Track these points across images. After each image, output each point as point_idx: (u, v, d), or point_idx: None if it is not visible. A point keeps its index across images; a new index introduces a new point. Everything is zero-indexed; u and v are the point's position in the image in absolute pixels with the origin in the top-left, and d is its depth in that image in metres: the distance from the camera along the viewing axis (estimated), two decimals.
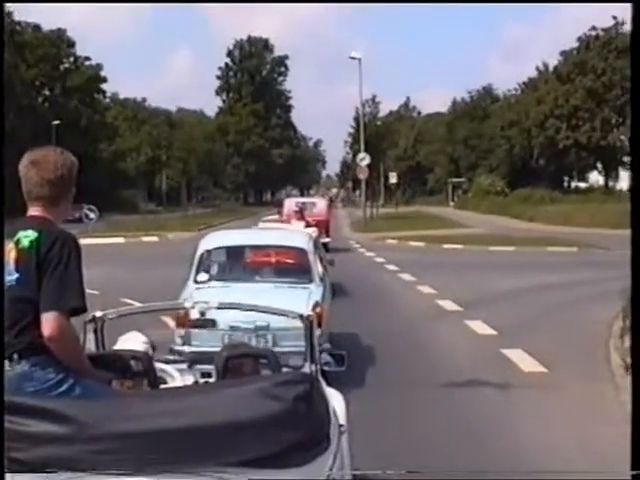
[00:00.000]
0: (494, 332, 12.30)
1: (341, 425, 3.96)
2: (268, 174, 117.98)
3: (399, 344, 11.63)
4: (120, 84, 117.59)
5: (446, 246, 31.64)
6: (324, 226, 25.52)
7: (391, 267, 23.10)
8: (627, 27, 72.11)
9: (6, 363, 3.42)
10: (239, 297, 6.79)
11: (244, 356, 4.31)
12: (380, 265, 24.22)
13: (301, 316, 4.48)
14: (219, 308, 4.62)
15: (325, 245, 18.99)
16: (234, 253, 10.76)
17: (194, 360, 4.60)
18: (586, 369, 9.62)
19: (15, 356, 3.43)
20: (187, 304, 4.30)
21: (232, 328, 8.25)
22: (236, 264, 10.67)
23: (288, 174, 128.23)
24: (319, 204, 32.19)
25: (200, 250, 10.09)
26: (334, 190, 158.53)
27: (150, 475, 2.85)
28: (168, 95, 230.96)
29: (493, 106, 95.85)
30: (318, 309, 8.54)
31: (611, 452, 6.34)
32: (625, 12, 70.70)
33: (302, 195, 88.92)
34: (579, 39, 73.16)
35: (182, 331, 8.28)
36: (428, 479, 4.55)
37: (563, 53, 74.53)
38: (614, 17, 71.10)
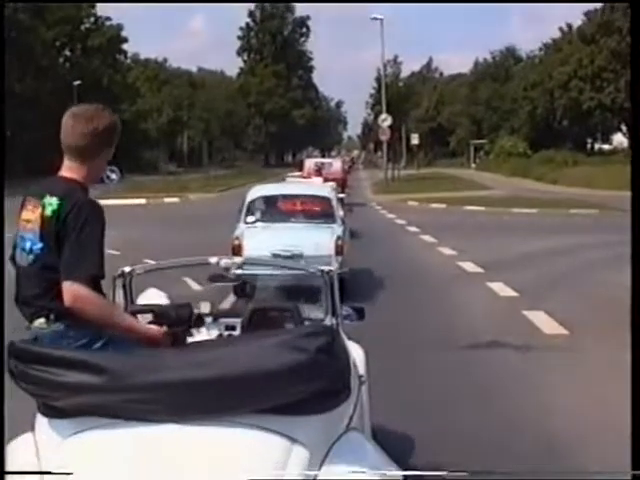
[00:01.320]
0: (516, 294, 12.23)
1: (361, 376, 4.18)
2: (289, 135, 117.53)
3: (422, 304, 11.66)
4: (141, 45, 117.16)
5: (468, 208, 31.52)
6: (339, 183, 27.25)
7: (412, 229, 23.09)
8: None
9: (41, 320, 3.56)
10: (278, 234, 10.72)
11: (269, 310, 4.40)
12: (401, 227, 24.24)
13: (322, 271, 4.54)
14: (241, 265, 4.70)
15: (341, 200, 19.22)
16: (272, 201, 13.22)
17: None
18: (606, 332, 9.57)
19: (52, 316, 3.55)
20: (212, 260, 4.36)
21: (274, 255, 10.46)
22: (274, 209, 12.94)
23: (309, 135, 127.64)
24: (335, 164, 36.74)
25: (247, 199, 12.61)
26: (355, 152, 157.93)
27: (180, 422, 3.01)
28: (189, 55, 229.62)
29: (516, 67, 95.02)
30: (340, 242, 11.44)
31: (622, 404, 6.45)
32: None
33: (323, 156, 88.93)
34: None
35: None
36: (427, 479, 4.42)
37: (587, 13, 73.67)
38: None
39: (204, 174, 72.50)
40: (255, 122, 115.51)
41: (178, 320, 3.83)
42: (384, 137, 49.07)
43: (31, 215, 3.62)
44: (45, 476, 3.06)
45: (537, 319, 10.33)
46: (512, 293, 12.34)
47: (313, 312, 4.47)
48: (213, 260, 4.47)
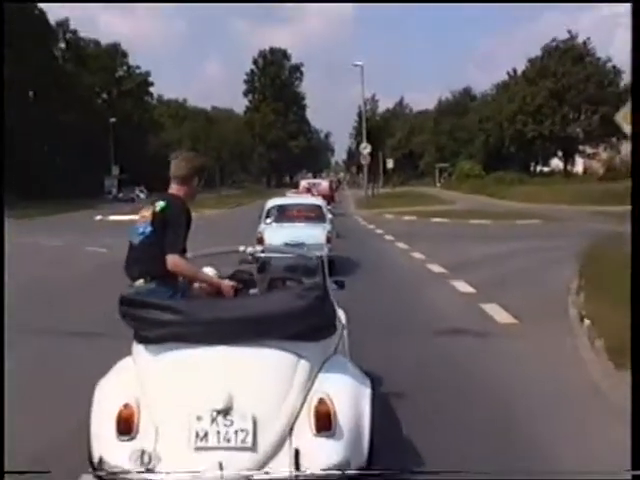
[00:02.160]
0: (473, 290, 12.18)
1: (343, 325, 5.17)
2: (287, 161, 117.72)
3: (394, 298, 11.63)
4: (164, 88, 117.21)
5: (434, 220, 31.45)
6: (327, 198, 30.61)
7: (388, 237, 23.00)
8: (580, 39, 71.75)
9: (141, 281, 4.69)
10: (287, 230, 12.94)
11: (281, 279, 5.34)
12: (379, 236, 24.17)
13: (317, 256, 5.55)
14: (261, 251, 5.50)
15: (329, 210, 24.59)
16: (283, 208, 15.69)
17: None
18: (549, 320, 9.59)
19: (148, 278, 4.69)
20: (241, 248, 5.26)
21: (285, 244, 11.67)
22: (284, 213, 15.37)
23: (303, 160, 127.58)
24: (323, 183, 42.14)
25: (266, 208, 15.20)
26: (341, 174, 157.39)
27: (229, 345, 3.92)
28: (204, 96, 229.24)
29: (472, 104, 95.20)
30: (329, 235, 14.02)
31: (564, 379, 6.67)
32: (577, 26, 71.63)
33: (314, 177, 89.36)
34: (543, 48, 72.50)
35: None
36: (423, 479, 4.37)
37: (530, 60, 73.72)
38: (569, 31, 70.73)
39: (217, 194, 72.47)
40: (259, 150, 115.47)
41: (238, 280, 5.02)
42: (365, 162, 49.02)
43: (146, 212, 4.79)
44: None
45: (491, 310, 10.30)
46: (471, 289, 12.27)
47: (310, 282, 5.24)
48: (241, 248, 5.32)
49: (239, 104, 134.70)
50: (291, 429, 3.82)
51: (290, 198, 20.59)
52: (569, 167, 74.99)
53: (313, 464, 3.72)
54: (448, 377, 6.90)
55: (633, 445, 3.86)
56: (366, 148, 48.00)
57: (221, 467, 3.67)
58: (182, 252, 4.67)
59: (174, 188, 4.91)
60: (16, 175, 48.92)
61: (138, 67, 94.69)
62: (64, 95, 75.48)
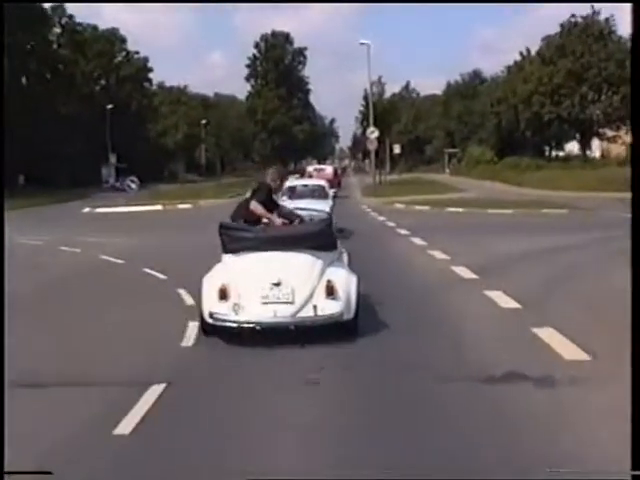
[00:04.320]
0: (518, 305, 9.59)
1: (342, 251, 8.97)
2: (291, 147, 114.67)
3: (421, 305, 9.15)
4: (167, 75, 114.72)
5: (449, 209, 28.93)
6: (331, 182, 34.89)
7: (402, 231, 20.48)
8: (602, 15, 68.51)
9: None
10: (299, 204, 13.05)
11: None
12: (392, 230, 21.56)
13: (329, 213, 9.97)
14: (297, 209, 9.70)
15: (335, 193, 28.73)
16: (293, 188, 19.64)
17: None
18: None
19: (240, 220, 8.50)
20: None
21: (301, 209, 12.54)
22: (295, 192, 19.30)
23: (308, 147, 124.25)
24: (328, 169, 47.67)
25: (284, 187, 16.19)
26: (346, 160, 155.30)
27: (280, 251, 7.88)
28: (208, 84, 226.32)
29: (481, 87, 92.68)
30: (332, 207, 16.83)
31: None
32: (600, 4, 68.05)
33: (319, 164, 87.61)
34: (561, 25, 69.35)
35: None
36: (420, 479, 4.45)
37: (546, 38, 70.66)
38: (592, 6, 67.38)
39: (217, 182, 70.16)
40: (261, 137, 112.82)
41: (284, 218, 8.70)
42: (372, 147, 46.56)
43: (249, 191, 8.80)
44: None
45: (549, 338, 7.79)
46: (514, 304, 9.65)
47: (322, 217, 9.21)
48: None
49: (242, 90, 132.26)
50: (312, 294, 7.64)
51: (302, 180, 26.45)
52: (587, 151, 72.00)
53: (324, 312, 7.57)
54: None
55: (633, 445, 3.89)
56: (373, 132, 45.50)
57: (275, 314, 7.51)
58: (261, 202, 8.45)
59: (267, 180, 8.82)
60: (11, 164, 46.96)
61: (137, 52, 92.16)
62: (59, 81, 73.30)
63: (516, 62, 75.59)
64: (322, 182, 22.45)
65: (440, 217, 26.53)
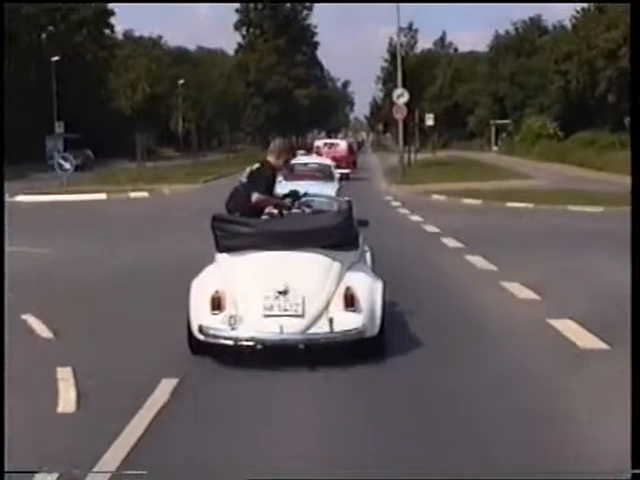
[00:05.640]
0: None
1: (365, 250, 9.07)
2: (292, 116, 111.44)
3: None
4: (143, 24, 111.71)
5: (511, 205, 25.29)
6: (345, 161, 40.26)
7: (451, 243, 16.70)
8: None
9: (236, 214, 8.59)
10: (301, 188, 11.85)
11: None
12: (434, 239, 17.70)
13: (348, 202, 9.14)
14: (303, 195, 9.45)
15: (347, 175, 37.48)
16: (293, 167, 18.60)
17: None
18: None
19: (237, 213, 8.46)
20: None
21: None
22: (300, 172, 20.28)
23: (314, 116, 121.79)
24: (341, 144, 47.88)
25: None
26: (363, 134, 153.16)
27: (285, 250, 7.81)
28: (190, 35, 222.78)
29: (540, 40, 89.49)
30: (338, 190, 19.10)
31: None
32: None
33: (329, 138, 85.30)
34: None
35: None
36: (420, 478, 5.13)
37: None
38: None
39: (194, 160, 66.99)
40: (254, 102, 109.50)
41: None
42: (399, 115, 43.61)
43: (243, 173, 8.75)
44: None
45: None
46: None
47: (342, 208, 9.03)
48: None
49: (232, 44, 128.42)
50: (327, 305, 7.56)
51: (307, 157, 27.38)
52: None
53: (341, 328, 7.48)
54: None
55: (633, 445, 4.58)
56: (402, 96, 42.45)
57: (281, 329, 7.41)
58: (263, 192, 8.50)
59: (269, 158, 8.67)
60: None
61: None
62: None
63: (593, 3, 71.38)
64: (326, 160, 24.95)
65: (501, 217, 22.95)
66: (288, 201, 8.86)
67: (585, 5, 73.85)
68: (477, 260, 14.24)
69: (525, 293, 11.20)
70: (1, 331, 6.67)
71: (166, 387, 7.07)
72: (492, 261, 13.86)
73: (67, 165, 33.39)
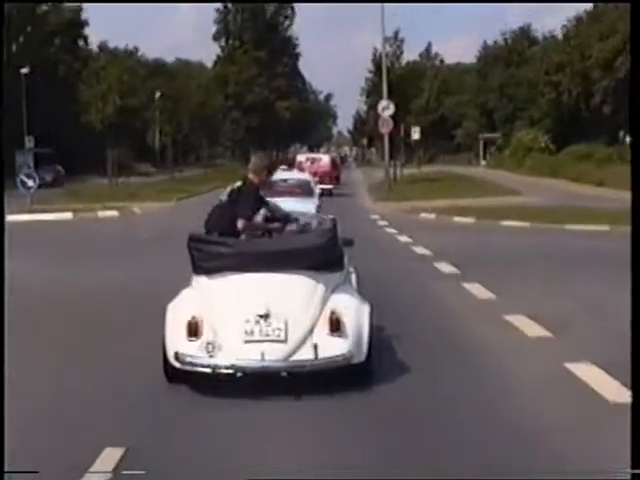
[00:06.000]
0: None
1: (350, 271, 8.82)
2: (273, 130, 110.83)
3: None
4: (121, 37, 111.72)
5: (506, 224, 24.31)
6: (327, 176, 40.50)
7: (444, 267, 15.54)
8: None
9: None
10: (283, 204, 11.32)
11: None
12: (426, 263, 16.51)
13: (333, 220, 8.72)
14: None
15: (330, 191, 37.51)
16: (275, 183, 17.41)
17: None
18: None
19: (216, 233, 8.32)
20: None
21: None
22: (279, 188, 18.65)
23: (296, 130, 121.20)
24: (324, 159, 47.36)
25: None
26: (346, 148, 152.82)
27: (266, 272, 7.59)
28: (168, 47, 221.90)
29: (530, 50, 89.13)
30: (318, 207, 19.15)
31: None
32: None
33: (311, 152, 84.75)
34: None
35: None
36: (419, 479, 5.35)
37: None
38: None
39: (169, 176, 66.03)
40: (233, 115, 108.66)
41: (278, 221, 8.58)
42: (385, 129, 42.66)
43: (224, 191, 8.64)
44: None
45: None
46: None
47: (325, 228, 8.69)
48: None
49: (211, 56, 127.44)
50: (311, 330, 7.39)
51: (288, 173, 26.65)
52: None
53: (327, 354, 7.29)
54: None
55: (633, 445, 4.56)
56: (387, 108, 41.42)
57: (263, 356, 7.22)
58: (247, 218, 8.26)
59: (250, 176, 8.50)
60: None
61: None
62: None
63: (587, 12, 71.02)
64: (305, 176, 25.32)
65: (496, 237, 21.80)
66: (277, 225, 8.49)
67: (578, 13, 73.50)
68: (474, 287, 13.08)
69: (534, 330, 10.02)
70: (1, 331, 6.82)
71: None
72: (491, 289, 12.79)
73: (30, 183, 32.06)
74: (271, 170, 9.18)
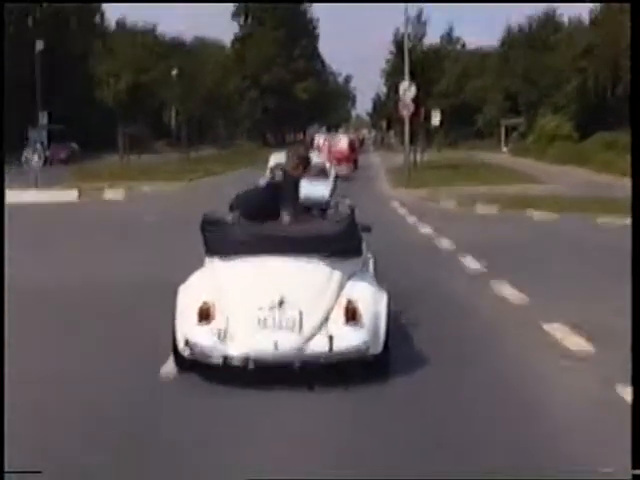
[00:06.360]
0: None
1: (369, 256, 8.91)
2: (290, 111, 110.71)
3: None
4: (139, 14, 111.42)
5: (533, 214, 22.99)
6: (345, 159, 40.24)
7: (468, 263, 14.35)
8: None
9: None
10: None
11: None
12: (449, 259, 15.26)
13: (351, 206, 8.51)
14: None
15: (346, 176, 34.68)
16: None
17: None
18: None
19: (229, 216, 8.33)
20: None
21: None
22: None
23: (313, 112, 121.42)
24: (342, 140, 47.85)
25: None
26: (364, 131, 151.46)
27: (281, 256, 7.44)
28: (187, 26, 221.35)
29: (557, 36, 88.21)
30: (332, 191, 13.73)
31: None
32: None
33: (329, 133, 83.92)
34: None
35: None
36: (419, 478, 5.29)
37: None
38: None
39: (186, 155, 65.27)
40: (251, 95, 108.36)
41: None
42: (406, 112, 41.17)
43: (262, 178, 9.82)
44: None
45: None
46: None
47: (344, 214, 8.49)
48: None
49: (229, 34, 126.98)
50: (326, 320, 7.19)
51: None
52: None
53: (342, 345, 7.06)
54: None
55: (633, 445, 4.60)
56: (409, 90, 40.04)
57: (276, 345, 6.98)
58: (292, 215, 8.22)
59: (289, 170, 8.50)
60: None
61: None
62: None
63: (599, 3, 69.95)
64: (320, 159, 25.61)
65: (523, 228, 20.63)
66: (316, 213, 8.68)
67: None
68: (506, 289, 11.86)
69: (575, 342, 8.83)
70: (1, 330, 7.02)
71: None
72: (526, 292, 11.49)
73: (35, 159, 30.87)
74: (306, 165, 8.83)
